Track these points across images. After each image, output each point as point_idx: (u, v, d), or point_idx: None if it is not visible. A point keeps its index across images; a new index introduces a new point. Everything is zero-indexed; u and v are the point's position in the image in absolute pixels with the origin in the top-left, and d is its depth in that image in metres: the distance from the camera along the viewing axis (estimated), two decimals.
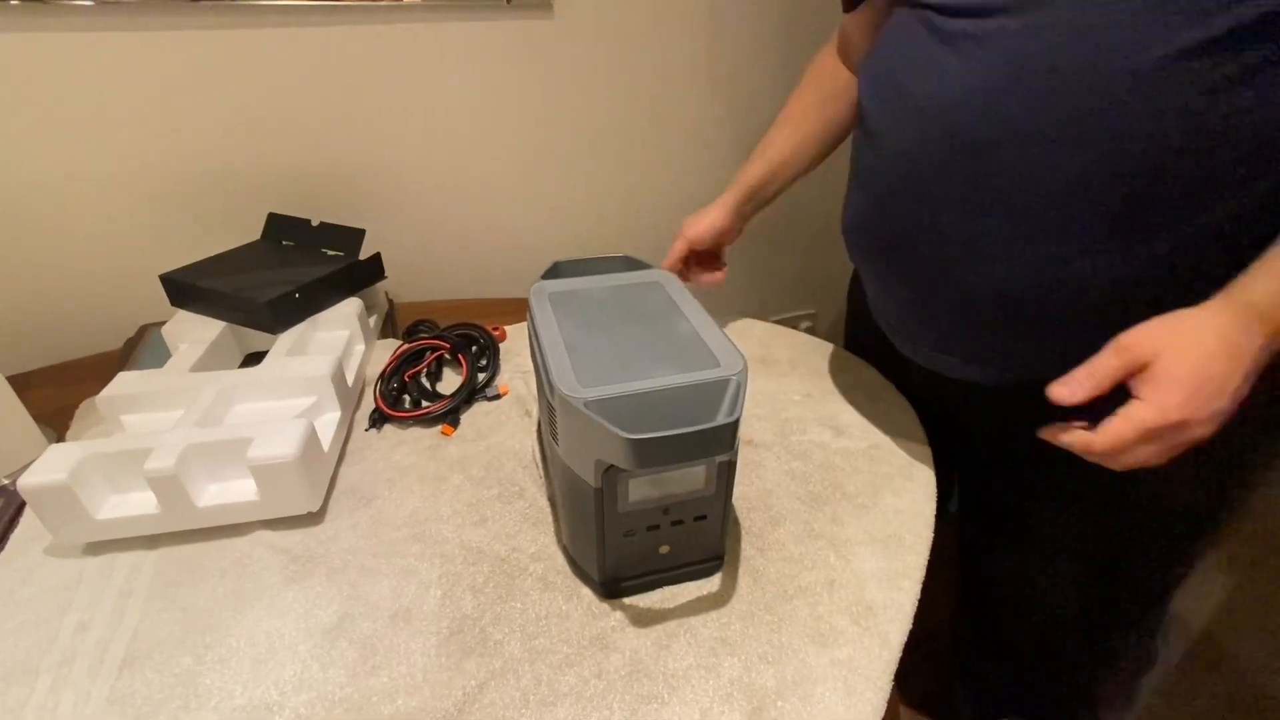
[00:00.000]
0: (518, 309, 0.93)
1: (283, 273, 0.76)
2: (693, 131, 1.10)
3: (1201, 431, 0.38)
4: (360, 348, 0.77)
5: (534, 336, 0.52)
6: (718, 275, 0.78)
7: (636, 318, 0.51)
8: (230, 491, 0.55)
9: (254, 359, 0.74)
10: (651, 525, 0.47)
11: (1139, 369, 0.39)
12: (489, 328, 0.83)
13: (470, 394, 0.72)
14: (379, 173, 0.95)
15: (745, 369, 0.44)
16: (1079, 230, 0.43)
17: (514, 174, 1.03)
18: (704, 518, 0.48)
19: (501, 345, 0.81)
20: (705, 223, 0.73)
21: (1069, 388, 0.40)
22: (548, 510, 0.58)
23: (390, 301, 0.93)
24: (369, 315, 0.81)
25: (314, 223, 0.84)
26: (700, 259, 0.78)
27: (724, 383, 0.43)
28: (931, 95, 0.49)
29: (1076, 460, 0.46)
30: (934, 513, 0.59)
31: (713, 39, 1.03)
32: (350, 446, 0.66)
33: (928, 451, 0.65)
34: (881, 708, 0.44)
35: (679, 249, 0.74)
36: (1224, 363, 0.36)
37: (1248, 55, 0.35)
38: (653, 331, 0.49)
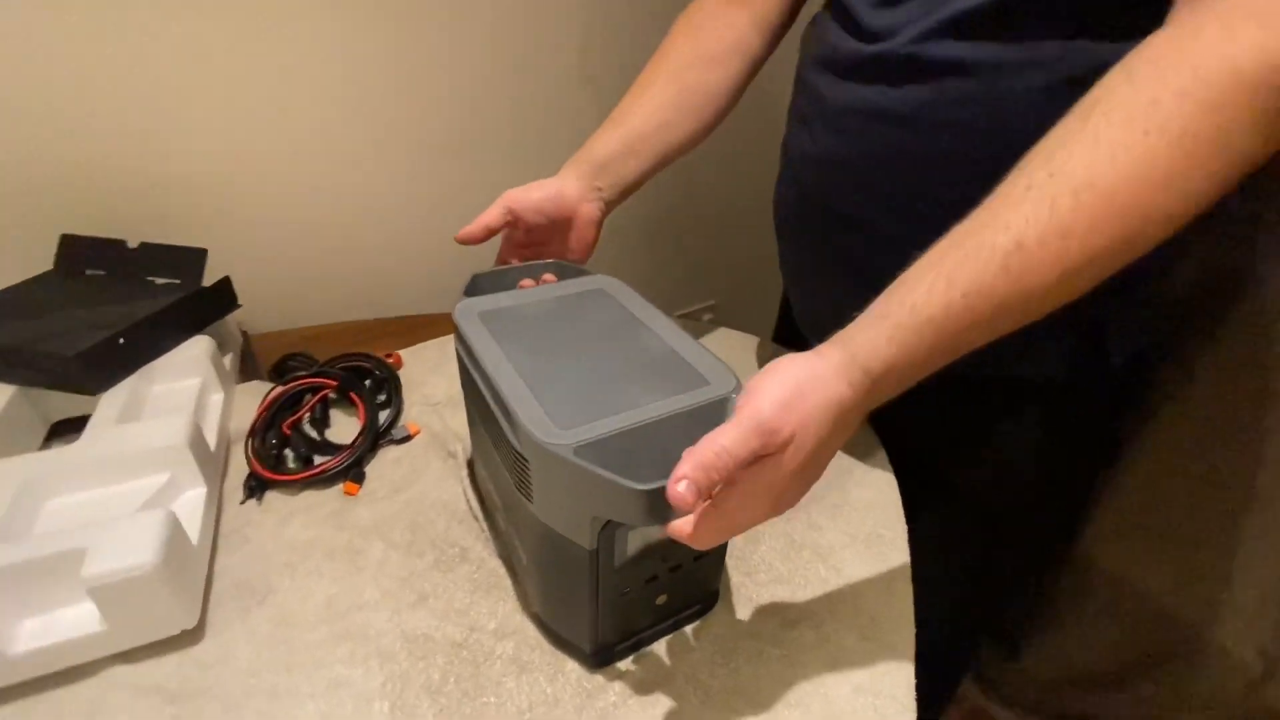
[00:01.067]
0: (409, 330, 0.80)
1: (95, 312, 0.58)
2: (571, 119, 1.02)
3: (786, 505, 0.34)
4: (218, 398, 0.62)
5: (472, 369, 0.42)
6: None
7: (593, 335, 0.44)
8: (59, 625, 0.40)
9: (66, 430, 0.56)
10: (650, 577, 0.40)
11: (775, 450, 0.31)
12: (382, 355, 0.71)
13: (374, 440, 0.60)
14: (213, 176, 0.77)
15: (739, 384, 0.38)
16: None
17: (383, 170, 0.89)
18: (703, 555, 0.42)
19: (400, 374, 0.69)
20: (538, 187, 0.53)
21: (695, 487, 0.29)
22: (500, 571, 0.49)
23: (244, 335, 0.76)
24: (223, 355, 0.66)
25: (131, 244, 0.66)
26: (531, 240, 0.56)
27: (721, 403, 0.37)
28: (853, 112, 0.48)
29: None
30: (900, 500, 0.58)
31: (589, 22, 0.96)
32: (224, 528, 0.52)
33: (872, 434, 0.64)
34: None
35: (492, 214, 0.53)
36: (834, 441, 0.33)
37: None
38: (618, 350, 0.42)
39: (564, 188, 0.53)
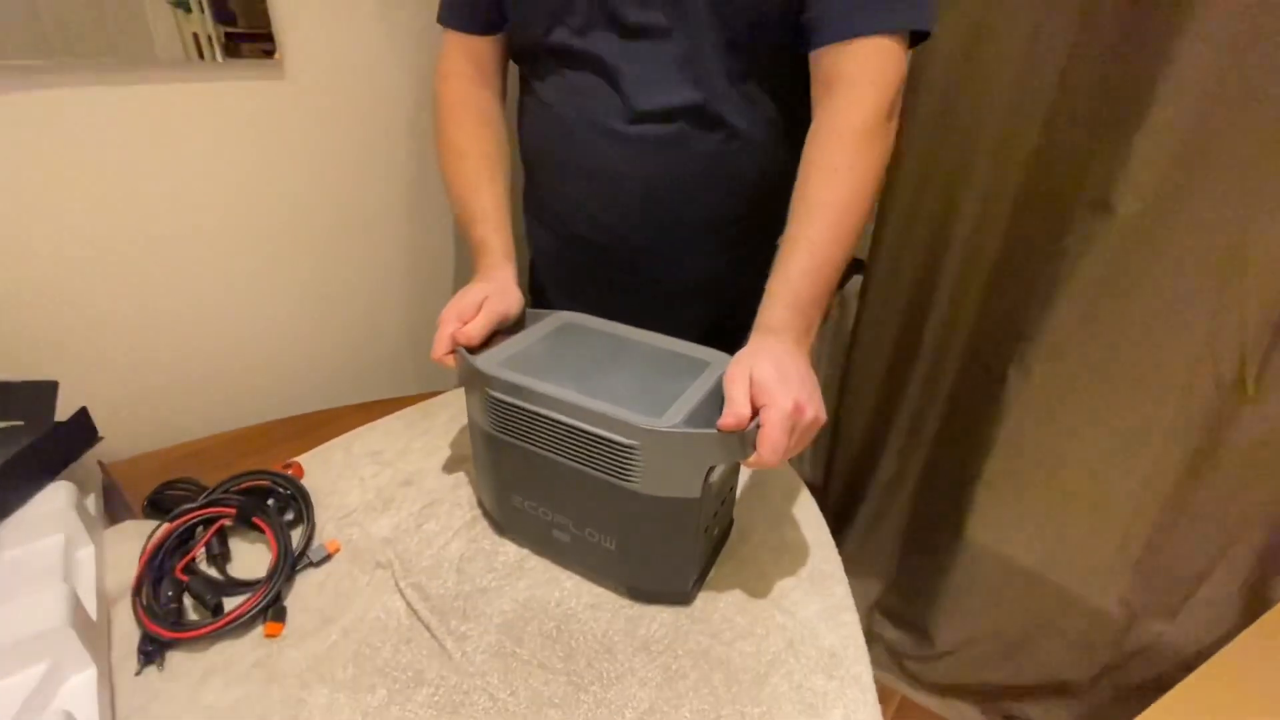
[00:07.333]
0: (302, 432, 0.74)
1: None
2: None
3: (813, 411, 0.46)
4: (87, 552, 0.53)
5: (533, 404, 0.49)
6: None
7: (604, 354, 0.55)
8: None
9: None
10: (714, 513, 0.52)
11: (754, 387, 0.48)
12: (278, 467, 0.64)
13: (289, 567, 0.55)
14: (48, 285, 0.67)
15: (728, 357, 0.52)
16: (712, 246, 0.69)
17: (246, 262, 0.82)
18: (731, 492, 0.56)
19: (305, 485, 0.64)
20: (505, 291, 0.60)
21: (735, 418, 0.45)
22: (465, 686, 0.46)
23: (102, 467, 0.67)
24: (85, 498, 0.57)
25: None
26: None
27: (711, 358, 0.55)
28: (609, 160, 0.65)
29: None
30: (831, 535, 0.62)
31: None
32: (122, 711, 0.45)
33: (799, 480, 0.68)
34: None
35: (483, 324, 0.56)
36: (789, 363, 0.48)
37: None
38: (631, 359, 0.54)
39: (510, 281, 0.62)
